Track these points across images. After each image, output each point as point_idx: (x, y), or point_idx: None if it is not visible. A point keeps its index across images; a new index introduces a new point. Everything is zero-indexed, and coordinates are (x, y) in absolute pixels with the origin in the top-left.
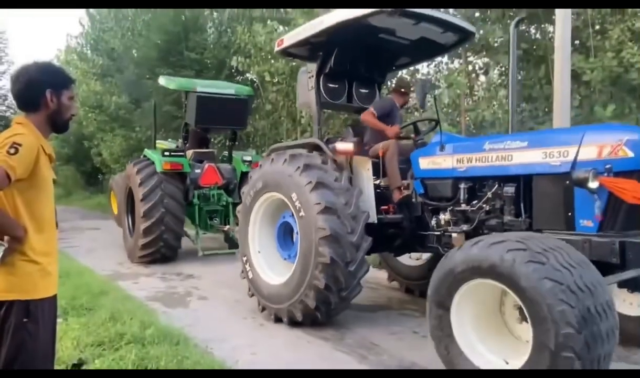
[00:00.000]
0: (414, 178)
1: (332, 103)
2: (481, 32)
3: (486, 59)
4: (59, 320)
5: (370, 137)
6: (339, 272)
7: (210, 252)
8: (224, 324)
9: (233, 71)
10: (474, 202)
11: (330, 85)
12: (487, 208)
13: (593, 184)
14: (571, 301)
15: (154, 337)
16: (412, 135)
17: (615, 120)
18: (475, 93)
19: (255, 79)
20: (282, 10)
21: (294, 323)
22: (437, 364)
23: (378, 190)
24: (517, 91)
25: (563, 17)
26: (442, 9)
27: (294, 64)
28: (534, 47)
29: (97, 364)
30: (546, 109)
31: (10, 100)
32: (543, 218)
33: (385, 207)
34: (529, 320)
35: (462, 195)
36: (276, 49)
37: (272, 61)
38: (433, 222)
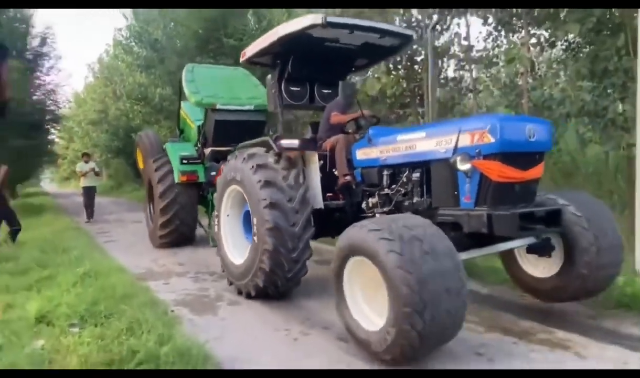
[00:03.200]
0: (354, 168)
1: (295, 104)
2: None
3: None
4: (74, 330)
5: (322, 134)
6: (282, 259)
7: None
8: (253, 337)
9: None
10: (393, 186)
11: (292, 88)
12: (403, 191)
13: (464, 167)
14: (389, 236)
15: (169, 356)
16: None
17: None
18: (538, 70)
19: None
20: None
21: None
22: None
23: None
24: (585, 63)
25: None
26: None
27: None
28: (607, 14)
29: None
30: (628, 85)
31: (60, 95)
32: (438, 198)
33: (331, 194)
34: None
35: (385, 181)
36: (241, 59)
37: None
38: (364, 205)
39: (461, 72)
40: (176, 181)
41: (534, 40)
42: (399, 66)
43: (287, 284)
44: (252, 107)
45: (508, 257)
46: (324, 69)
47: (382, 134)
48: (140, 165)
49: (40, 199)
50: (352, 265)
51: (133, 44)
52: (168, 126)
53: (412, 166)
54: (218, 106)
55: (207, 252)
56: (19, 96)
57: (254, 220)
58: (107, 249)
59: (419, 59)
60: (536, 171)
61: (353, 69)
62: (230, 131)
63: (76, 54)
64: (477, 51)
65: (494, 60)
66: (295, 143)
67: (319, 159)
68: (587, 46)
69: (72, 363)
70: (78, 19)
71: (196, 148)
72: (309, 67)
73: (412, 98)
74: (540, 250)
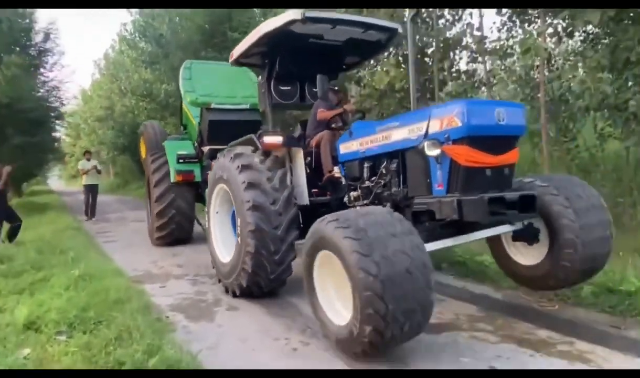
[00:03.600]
0: (339, 163)
1: (285, 103)
2: None
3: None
4: (61, 338)
5: (310, 131)
6: (265, 260)
7: None
8: (250, 347)
9: None
10: (373, 178)
11: (282, 88)
12: (382, 182)
13: (433, 152)
14: (354, 235)
15: (156, 369)
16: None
17: None
18: (555, 62)
19: None
20: None
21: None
22: None
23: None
24: (605, 54)
25: None
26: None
27: None
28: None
29: None
30: None
31: (63, 92)
32: (413, 187)
33: (317, 190)
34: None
35: (365, 173)
36: (230, 60)
37: None
38: (346, 199)
39: (474, 65)
40: (172, 180)
41: (550, 30)
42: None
43: (271, 284)
44: (247, 107)
45: (497, 248)
46: (313, 67)
47: (363, 127)
48: (143, 155)
49: (45, 198)
50: (321, 259)
51: (138, 39)
52: (174, 122)
53: (389, 156)
54: (212, 105)
55: (207, 253)
56: (20, 92)
57: (238, 221)
58: (105, 250)
59: (429, 51)
60: (510, 156)
61: (344, 67)
62: (224, 131)
63: (80, 51)
64: (491, 42)
65: (509, 51)
66: (278, 139)
67: (307, 156)
68: (607, 37)
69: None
70: (82, 15)
71: (195, 145)
72: (297, 65)
73: (422, 92)
74: (526, 235)
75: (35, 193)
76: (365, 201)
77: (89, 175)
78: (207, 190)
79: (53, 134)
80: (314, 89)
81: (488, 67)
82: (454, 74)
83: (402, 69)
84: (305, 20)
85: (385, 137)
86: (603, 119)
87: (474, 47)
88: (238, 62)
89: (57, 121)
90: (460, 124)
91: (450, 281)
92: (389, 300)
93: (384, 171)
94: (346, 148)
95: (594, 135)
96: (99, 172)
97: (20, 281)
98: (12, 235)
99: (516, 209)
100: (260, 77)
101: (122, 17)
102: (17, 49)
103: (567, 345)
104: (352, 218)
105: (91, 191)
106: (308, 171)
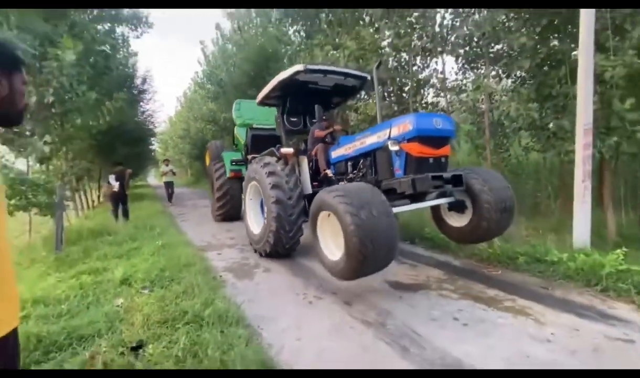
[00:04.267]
0: (330, 164)
1: (293, 130)
2: (505, 40)
3: (502, 68)
4: (145, 292)
5: (310, 146)
6: (282, 236)
7: None
8: (278, 300)
9: None
10: (355, 171)
11: (292, 119)
12: (360, 174)
13: (394, 148)
14: (347, 200)
15: (211, 317)
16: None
17: (634, 113)
18: (496, 96)
19: None
20: (336, 39)
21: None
22: (480, 361)
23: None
24: (532, 90)
25: (587, 19)
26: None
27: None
28: (549, 53)
29: (150, 349)
30: (563, 105)
31: (155, 118)
32: (381, 173)
33: (316, 183)
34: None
35: (349, 169)
36: (257, 101)
37: None
38: None
39: (438, 98)
40: (227, 176)
41: (493, 73)
42: (392, 94)
43: (286, 251)
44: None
45: (438, 219)
46: (312, 105)
47: (347, 138)
48: (207, 163)
49: (143, 190)
50: (320, 220)
51: (205, 82)
52: (229, 140)
53: (365, 155)
54: (254, 126)
55: None
56: (126, 118)
57: (265, 209)
58: (181, 227)
59: (406, 88)
60: (444, 150)
61: (332, 105)
62: (261, 143)
63: (168, 90)
64: (450, 82)
65: (463, 88)
66: (290, 150)
67: (309, 162)
68: (532, 79)
69: (138, 320)
70: (168, 62)
71: (242, 154)
72: (301, 104)
73: None
74: (457, 206)
75: (137, 187)
76: None
77: (166, 175)
78: (243, 184)
79: (149, 147)
80: (313, 120)
81: (448, 100)
82: (424, 105)
83: (386, 101)
84: (306, 71)
85: (362, 142)
86: (528, 137)
87: (438, 85)
88: (262, 103)
89: (151, 138)
90: (411, 128)
91: (421, 251)
92: (357, 206)
93: (361, 166)
94: (336, 153)
95: (520, 148)
96: (174, 173)
97: (120, 249)
98: (126, 216)
99: (450, 184)
100: (276, 112)
101: (196, 68)
102: (124, 89)
103: (510, 302)
104: (336, 186)
105: (169, 186)
106: (310, 171)
